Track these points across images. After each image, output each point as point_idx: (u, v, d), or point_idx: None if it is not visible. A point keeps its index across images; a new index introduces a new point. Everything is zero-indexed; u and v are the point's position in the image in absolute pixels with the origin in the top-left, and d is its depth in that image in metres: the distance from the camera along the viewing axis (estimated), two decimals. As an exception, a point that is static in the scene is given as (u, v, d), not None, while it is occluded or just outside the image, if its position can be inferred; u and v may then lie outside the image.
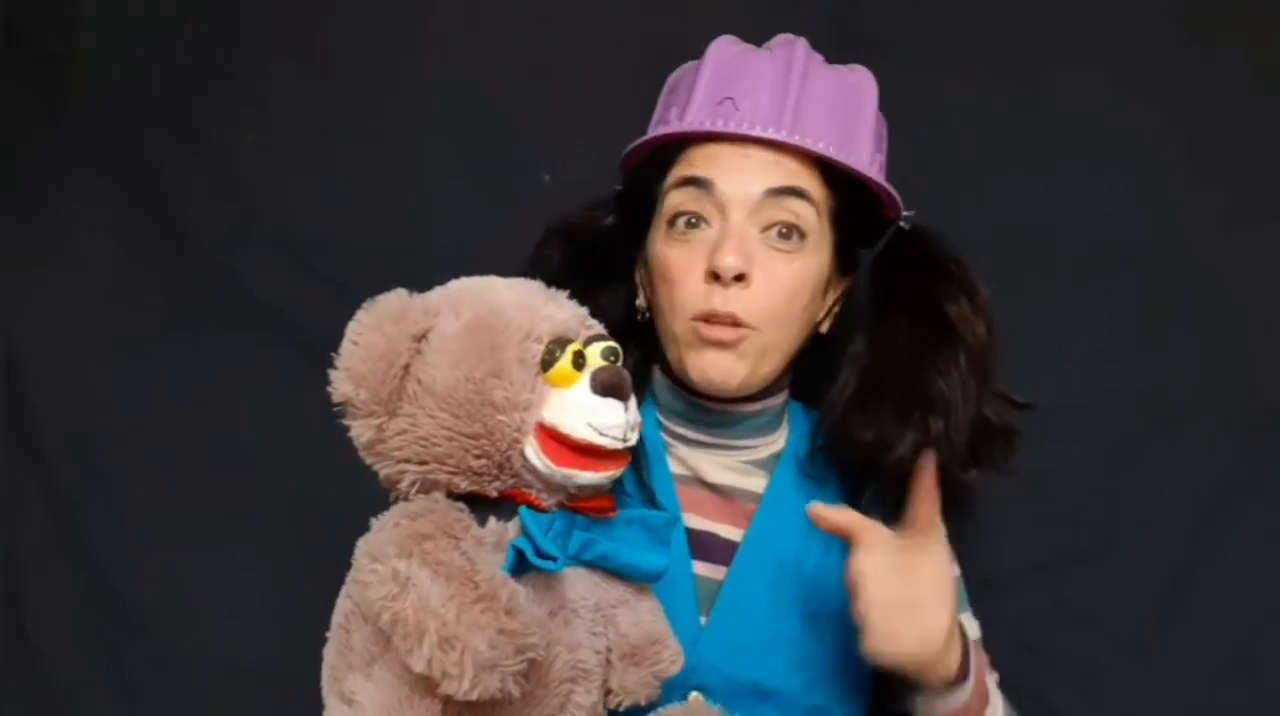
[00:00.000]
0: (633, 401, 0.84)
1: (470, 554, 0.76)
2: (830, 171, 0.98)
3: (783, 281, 0.96)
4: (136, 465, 1.38)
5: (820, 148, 0.96)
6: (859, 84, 1.02)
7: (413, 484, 0.82)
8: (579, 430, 0.81)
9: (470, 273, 0.90)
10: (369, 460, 0.84)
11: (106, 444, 1.39)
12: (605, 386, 0.82)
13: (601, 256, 1.04)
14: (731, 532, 1.01)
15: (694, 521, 1.01)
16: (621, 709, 0.88)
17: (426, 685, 0.75)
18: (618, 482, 0.90)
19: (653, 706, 0.89)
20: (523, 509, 0.81)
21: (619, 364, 0.85)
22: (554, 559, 0.79)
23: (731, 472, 1.04)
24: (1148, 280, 1.33)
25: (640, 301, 1.06)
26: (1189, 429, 1.32)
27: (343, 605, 0.83)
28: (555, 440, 0.82)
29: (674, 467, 1.04)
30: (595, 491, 0.87)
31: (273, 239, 1.39)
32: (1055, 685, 1.28)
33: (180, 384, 1.39)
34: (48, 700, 1.36)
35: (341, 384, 0.80)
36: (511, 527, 0.82)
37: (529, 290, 0.87)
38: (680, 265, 0.97)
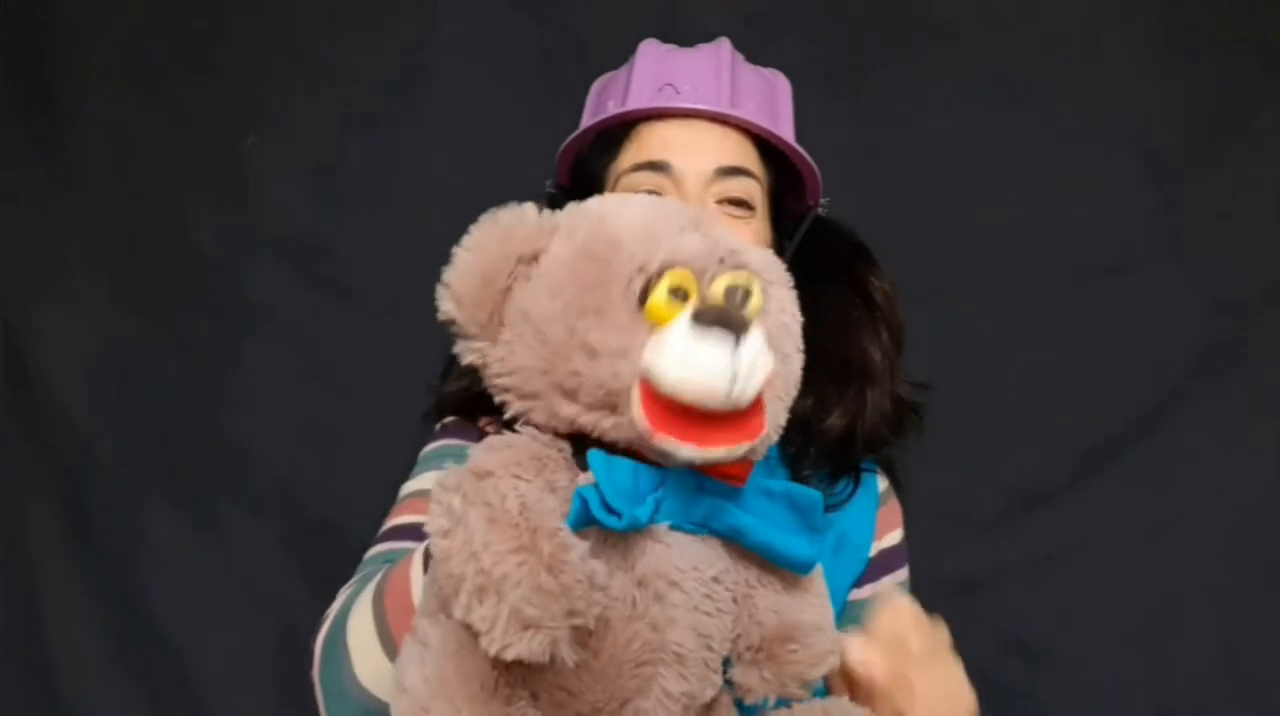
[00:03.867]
0: (754, 340, 0.66)
1: (529, 498, 0.67)
2: (764, 151, 1.04)
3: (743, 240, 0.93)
4: (140, 465, 1.43)
5: (762, 121, 1.02)
6: (779, 83, 1.08)
7: (516, 417, 0.74)
8: (672, 378, 0.66)
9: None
10: (482, 382, 0.77)
11: (110, 444, 1.44)
12: (709, 316, 0.66)
13: None
14: None
15: None
16: (748, 702, 0.77)
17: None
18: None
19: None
20: (594, 452, 0.69)
21: (749, 306, 0.69)
22: (619, 515, 0.67)
23: None
24: (1127, 288, 1.41)
25: None
26: (1176, 425, 1.40)
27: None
28: (653, 396, 0.67)
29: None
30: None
31: (273, 240, 1.44)
32: (1043, 682, 1.38)
33: (181, 384, 1.45)
34: (56, 700, 1.41)
35: (444, 301, 0.73)
36: (572, 479, 0.71)
37: (666, 215, 0.74)
38: None
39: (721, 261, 0.72)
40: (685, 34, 1.10)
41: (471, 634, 0.66)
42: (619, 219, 0.73)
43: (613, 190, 1.03)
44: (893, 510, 1.09)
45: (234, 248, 1.48)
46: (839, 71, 1.46)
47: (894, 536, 1.08)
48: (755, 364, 0.67)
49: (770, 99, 1.06)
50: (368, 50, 1.49)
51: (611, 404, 0.70)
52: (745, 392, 0.67)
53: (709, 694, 0.74)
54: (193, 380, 1.48)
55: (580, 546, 0.66)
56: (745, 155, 1.03)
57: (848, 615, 1.04)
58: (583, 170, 1.07)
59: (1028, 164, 1.47)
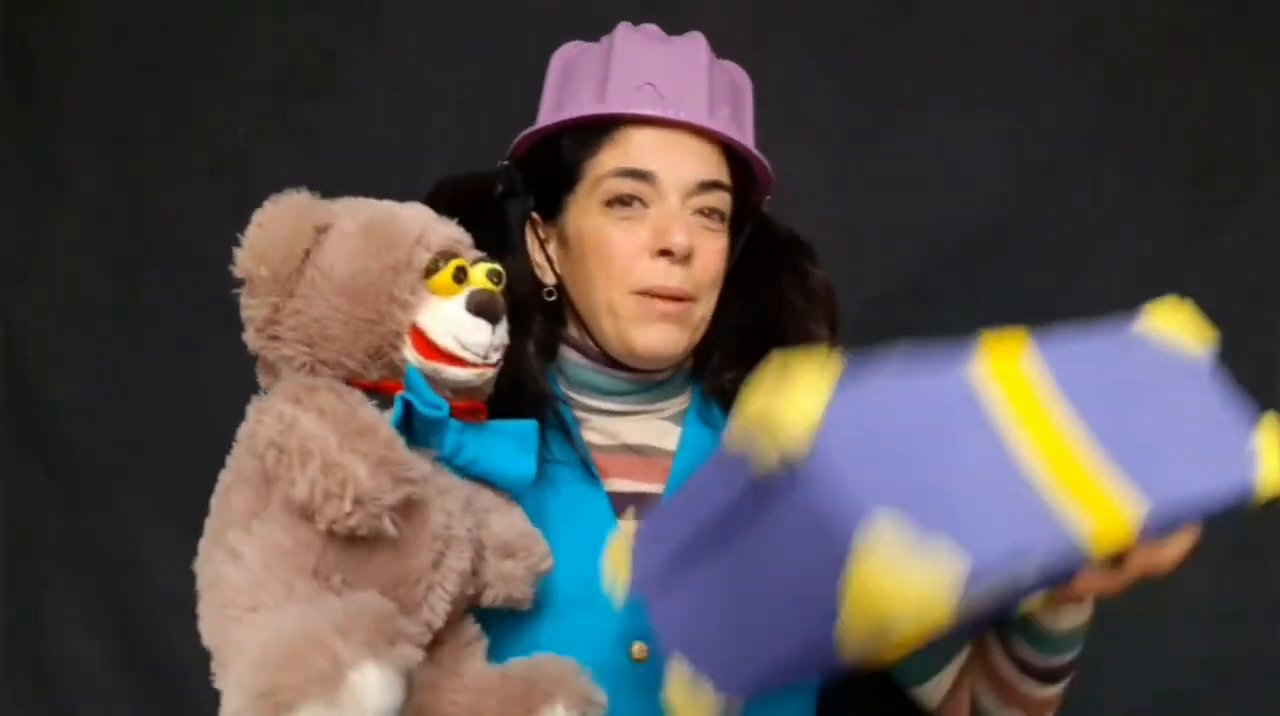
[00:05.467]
0: (503, 325, 0.92)
1: (353, 402, 0.83)
2: (730, 156, 1.08)
3: (714, 255, 1.06)
4: (132, 466, 1.44)
5: (741, 139, 1.07)
6: (743, 82, 1.12)
7: (302, 366, 0.89)
8: (444, 340, 0.89)
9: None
10: (258, 343, 0.90)
11: (108, 443, 1.44)
12: (478, 306, 0.89)
13: (492, 227, 1.06)
14: (654, 488, 1.08)
15: (621, 485, 1.07)
16: (498, 602, 0.93)
17: (307, 531, 0.81)
18: (543, 446, 0.99)
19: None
20: (410, 366, 0.88)
21: (500, 287, 0.93)
22: (439, 407, 0.86)
23: (648, 432, 1.11)
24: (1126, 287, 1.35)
25: (549, 278, 1.11)
26: None
27: (223, 478, 0.88)
28: (424, 341, 0.89)
29: (593, 437, 1.09)
30: (468, 393, 0.93)
31: None
32: None
33: (168, 378, 1.44)
34: (50, 702, 1.42)
35: (245, 260, 0.88)
36: (388, 416, 0.87)
37: (421, 209, 0.96)
38: (622, 241, 1.03)
39: (473, 248, 0.95)
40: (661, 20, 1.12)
41: (305, 528, 0.80)
42: (391, 205, 0.95)
43: (593, 188, 1.04)
44: None
45: (227, 245, 1.34)
46: (826, 63, 1.49)
47: None
48: (505, 337, 0.93)
49: (737, 100, 1.09)
50: (360, 42, 1.47)
51: (392, 344, 0.89)
52: (496, 356, 0.92)
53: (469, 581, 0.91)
54: (185, 380, 1.45)
55: (400, 438, 0.83)
56: (721, 167, 1.06)
57: None
58: (550, 153, 1.07)
59: (1025, 161, 1.49)
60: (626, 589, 0.84)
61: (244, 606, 0.78)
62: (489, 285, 0.92)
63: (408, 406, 0.86)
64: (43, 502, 1.46)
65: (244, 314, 0.90)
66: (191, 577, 1.39)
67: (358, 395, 0.86)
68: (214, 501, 0.88)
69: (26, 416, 1.47)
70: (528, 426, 0.97)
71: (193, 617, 1.38)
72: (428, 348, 0.89)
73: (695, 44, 1.09)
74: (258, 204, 1.47)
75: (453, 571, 0.88)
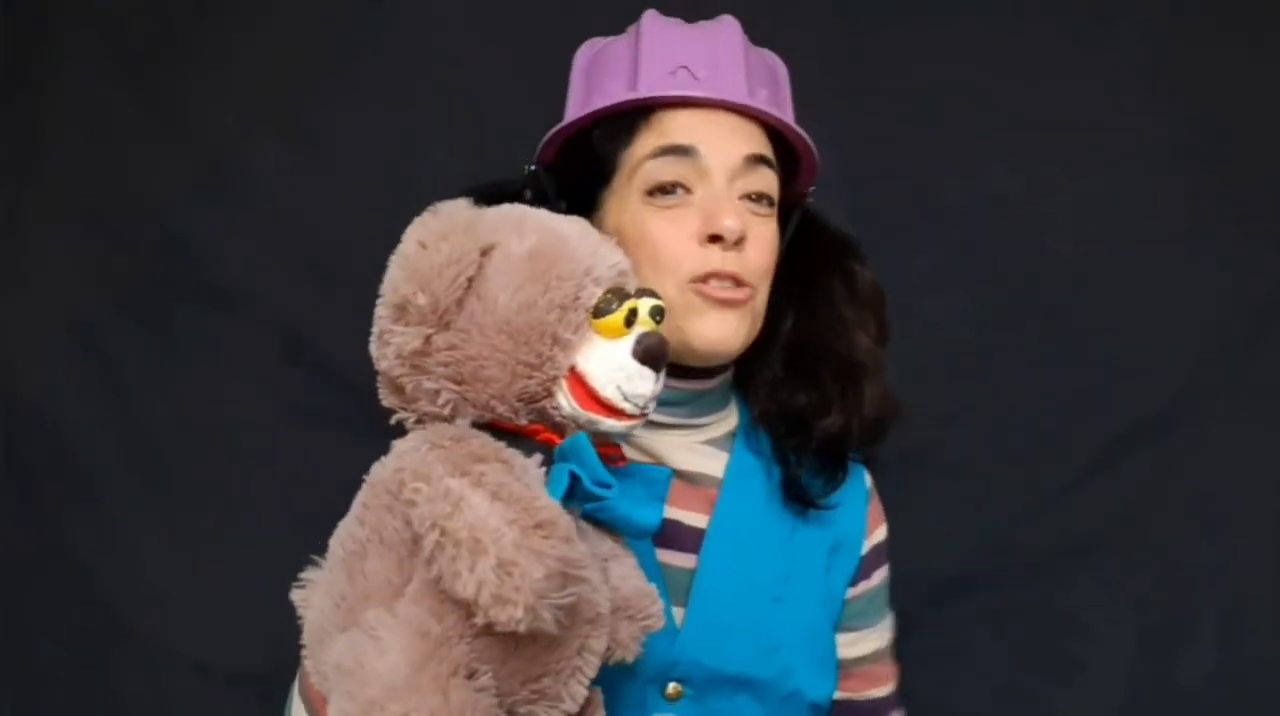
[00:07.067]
0: (663, 373, 0.82)
1: (527, 482, 0.73)
2: (772, 140, 1.00)
3: (766, 242, 0.98)
4: (110, 458, 1.40)
5: (775, 111, 0.99)
6: (779, 68, 1.05)
7: (445, 403, 0.77)
8: (607, 390, 0.78)
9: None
10: (397, 370, 0.78)
11: (78, 436, 1.41)
12: (647, 355, 0.79)
13: None
14: (696, 519, 1.00)
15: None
16: (610, 663, 0.86)
17: (455, 618, 0.71)
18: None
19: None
20: (582, 434, 0.78)
21: (661, 325, 0.82)
22: (609, 486, 0.76)
23: (694, 455, 1.03)
24: (1111, 290, 1.42)
25: None
26: (1174, 428, 1.40)
27: (355, 532, 0.77)
28: (583, 387, 0.79)
29: (635, 456, 1.00)
30: (607, 437, 0.83)
31: (252, 222, 1.40)
32: (1040, 683, 1.37)
33: (153, 372, 1.41)
34: (34, 700, 1.39)
35: (403, 285, 0.75)
36: (532, 463, 0.77)
37: (586, 227, 0.84)
38: (668, 231, 0.95)
39: (634, 277, 0.84)
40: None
41: (457, 623, 0.71)
42: (559, 224, 0.81)
43: (632, 178, 0.96)
44: (877, 507, 1.10)
45: (211, 230, 1.39)
46: (841, 58, 1.42)
47: (881, 531, 1.09)
48: (660, 389, 0.82)
49: (775, 84, 1.02)
50: (358, 39, 1.41)
51: (547, 389, 0.78)
52: (653, 407, 0.82)
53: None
54: (167, 367, 1.41)
55: (574, 525, 0.73)
56: (766, 145, 0.98)
57: (843, 613, 1.06)
58: (580, 150, 0.99)
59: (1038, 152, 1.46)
60: None
61: (394, 712, 0.68)
62: (654, 325, 0.81)
63: (574, 481, 0.75)
64: (16, 505, 1.43)
65: (385, 338, 0.77)
66: (162, 570, 1.40)
67: (530, 468, 0.75)
68: (339, 551, 0.77)
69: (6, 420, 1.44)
70: (661, 473, 0.90)
71: (165, 609, 1.40)
72: (587, 397, 0.79)
73: (729, 27, 1.01)
74: (251, 200, 1.46)
75: (594, 655, 0.79)
